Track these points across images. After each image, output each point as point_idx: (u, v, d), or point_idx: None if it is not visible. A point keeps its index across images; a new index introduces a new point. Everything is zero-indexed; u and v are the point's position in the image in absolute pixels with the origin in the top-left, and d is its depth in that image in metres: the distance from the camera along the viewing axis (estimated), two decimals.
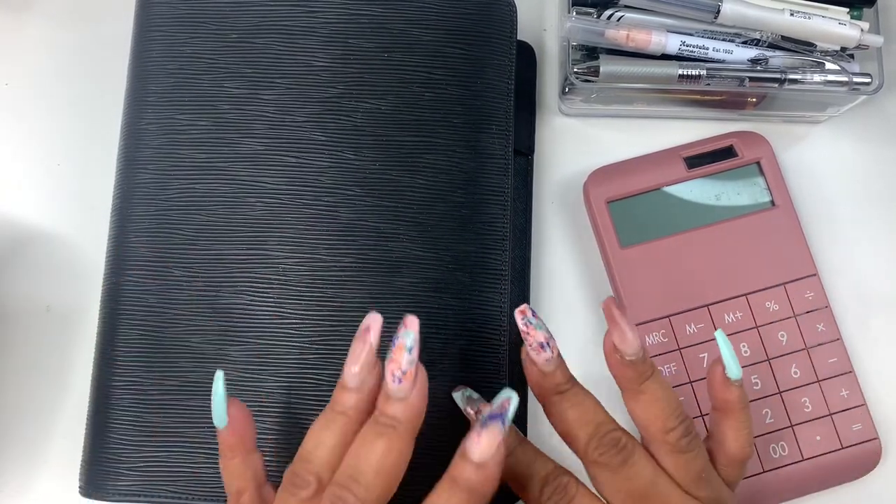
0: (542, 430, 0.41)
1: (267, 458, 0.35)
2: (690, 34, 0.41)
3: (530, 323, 0.32)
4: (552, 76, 0.45)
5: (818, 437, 0.40)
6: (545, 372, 0.32)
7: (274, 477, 0.35)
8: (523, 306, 0.32)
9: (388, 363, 0.29)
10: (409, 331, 0.29)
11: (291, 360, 0.36)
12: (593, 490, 0.31)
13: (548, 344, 0.32)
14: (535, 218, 0.43)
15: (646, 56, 0.41)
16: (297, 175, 0.37)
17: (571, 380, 0.32)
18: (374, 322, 0.30)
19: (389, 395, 0.29)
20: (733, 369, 0.32)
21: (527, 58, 0.44)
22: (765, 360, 0.40)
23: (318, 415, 0.35)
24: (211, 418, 0.35)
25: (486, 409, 0.29)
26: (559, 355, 0.32)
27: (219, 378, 0.31)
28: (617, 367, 0.32)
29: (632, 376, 0.32)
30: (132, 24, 0.40)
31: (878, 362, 0.42)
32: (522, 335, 0.32)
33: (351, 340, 0.36)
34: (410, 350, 0.29)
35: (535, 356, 0.32)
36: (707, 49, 0.41)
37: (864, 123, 0.45)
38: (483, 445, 0.28)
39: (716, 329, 0.35)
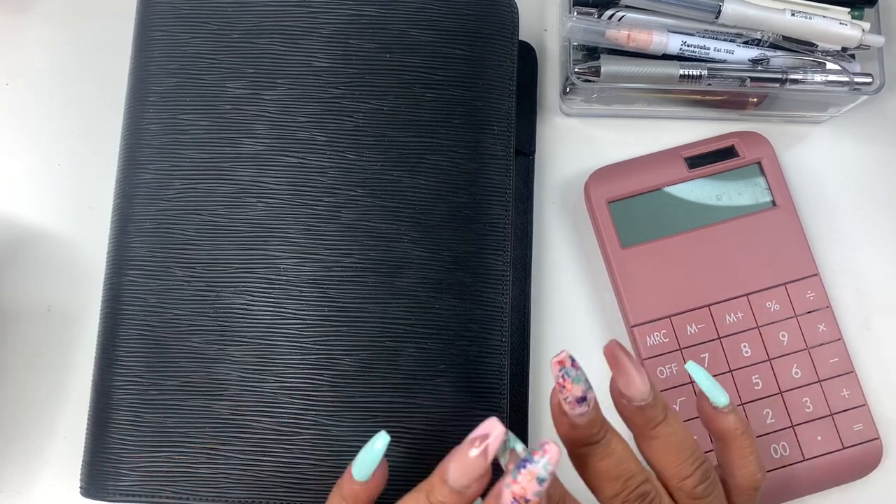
0: (542, 428, 0.41)
1: (268, 457, 0.35)
2: (691, 34, 0.41)
3: (568, 376, 0.29)
4: (553, 76, 0.45)
5: (819, 438, 0.40)
6: (577, 425, 0.30)
7: (276, 476, 0.35)
8: (562, 356, 0.29)
9: (509, 483, 0.27)
10: (548, 462, 0.27)
11: (292, 360, 0.36)
12: None
13: (585, 398, 0.29)
14: (536, 218, 0.43)
15: (647, 56, 0.41)
16: (298, 175, 0.37)
17: (604, 427, 0.30)
18: (494, 432, 0.28)
19: None
20: (717, 397, 0.31)
21: (528, 58, 0.44)
22: (766, 360, 0.40)
23: (318, 416, 0.35)
24: (212, 418, 0.36)
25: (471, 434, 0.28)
26: (595, 405, 0.30)
27: (383, 440, 0.30)
28: (626, 412, 0.30)
29: (642, 422, 0.30)
30: (133, 24, 0.40)
31: (879, 362, 0.42)
32: (557, 387, 0.29)
33: (352, 340, 0.36)
34: (542, 482, 0.27)
35: (568, 409, 0.29)
36: (708, 49, 0.41)
37: (866, 123, 0.45)
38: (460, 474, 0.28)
39: (686, 361, 0.33)
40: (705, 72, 0.40)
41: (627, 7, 0.41)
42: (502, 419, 0.36)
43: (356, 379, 0.36)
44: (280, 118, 0.38)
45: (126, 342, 0.37)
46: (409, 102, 0.38)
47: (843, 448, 0.40)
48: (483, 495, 0.28)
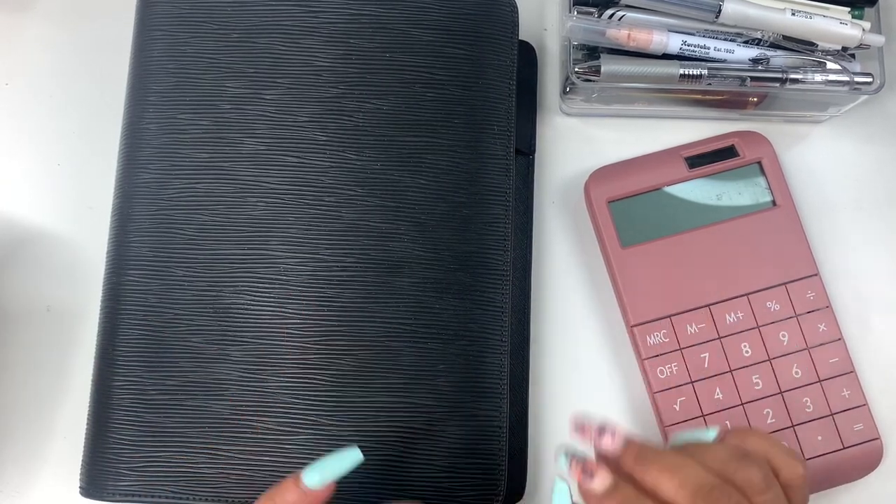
0: (542, 428, 0.41)
1: (268, 457, 0.35)
2: (692, 34, 0.41)
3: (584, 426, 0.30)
4: (553, 76, 0.45)
5: (820, 438, 0.40)
6: (612, 452, 0.30)
7: (276, 476, 0.35)
8: (578, 421, 0.30)
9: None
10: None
11: (292, 360, 0.36)
12: None
13: (604, 428, 0.30)
14: (536, 218, 0.43)
15: (647, 56, 0.41)
16: (299, 175, 0.37)
17: (644, 444, 0.30)
18: None
19: None
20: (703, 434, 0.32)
21: (528, 57, 0.44)
22: (766, 360, 0.40)
23: (318, 416, 0.35)
24: (212, 418, 0.36)
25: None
26: (620, 431, 0.30)
27: (357, 457, 0.31)
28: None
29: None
30: (133, 24, 0.40)
31: (879, 362, 0.42)
32: (576, 436, 0.30)
33: (351, 341, 0.36)
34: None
35: (598, 443, 0.30)
36: (708, 49, 0.41)
37: (866, 123, 0.45)
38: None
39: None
40: (705, 71, 0.40)
41: (627, 7, 0.41)
42: (502, 419, 0.36)
43: (356, 379, 0.36)
44: (280, 118, 0.38)
45: (126, 342, 0.37)
46: (410, 102, 0.38)
47: (844, 448, 0.40)
48: None
